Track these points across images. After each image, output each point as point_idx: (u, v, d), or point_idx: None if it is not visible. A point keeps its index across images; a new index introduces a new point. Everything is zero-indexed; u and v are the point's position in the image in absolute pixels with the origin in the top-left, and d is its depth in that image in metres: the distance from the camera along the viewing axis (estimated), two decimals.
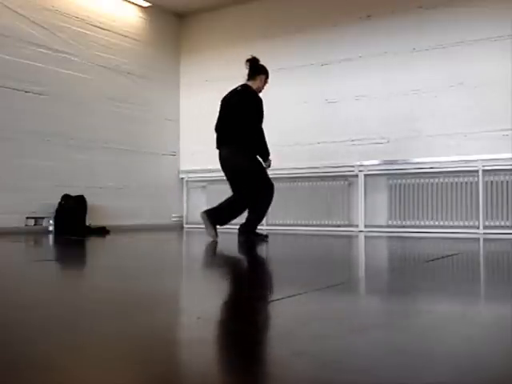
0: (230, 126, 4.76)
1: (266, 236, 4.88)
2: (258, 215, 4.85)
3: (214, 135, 4.92)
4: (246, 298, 1.93)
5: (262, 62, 4.93)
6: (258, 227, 4.93)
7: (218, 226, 4.83)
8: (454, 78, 6.37)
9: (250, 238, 4.75)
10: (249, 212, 4.89)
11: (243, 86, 4.86)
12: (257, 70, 4.85)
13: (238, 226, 4.89)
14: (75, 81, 6.92)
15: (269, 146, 4.83)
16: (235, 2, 7.79)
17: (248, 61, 4.85)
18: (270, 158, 4.89)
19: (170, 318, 1.50)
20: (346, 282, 2.29)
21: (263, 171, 4.82)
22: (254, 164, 4.77)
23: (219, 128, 4.86)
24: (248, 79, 4.88)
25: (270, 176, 4.62)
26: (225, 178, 4.96)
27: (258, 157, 4.83)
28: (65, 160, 6.74)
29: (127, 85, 7.59)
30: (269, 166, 4.87)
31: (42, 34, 6.58)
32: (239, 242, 4.63)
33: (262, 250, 4.10)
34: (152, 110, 7.95)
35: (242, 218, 4.94)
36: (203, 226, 4.86)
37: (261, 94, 4.87)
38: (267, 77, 4.92)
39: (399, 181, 6.65)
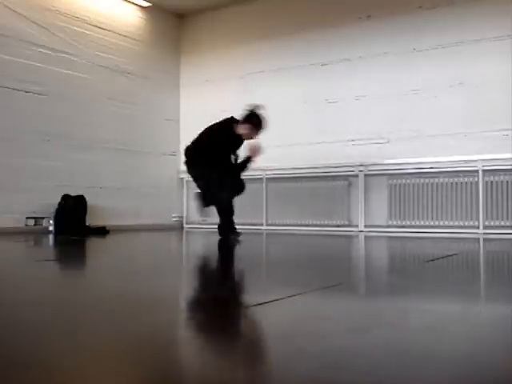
0: None
1: (236, 234, 4.98)
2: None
3: None
4: (245, 298, 1.93)
5: (261, 113, 4.83)
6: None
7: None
8: (454, 77, 6.37)
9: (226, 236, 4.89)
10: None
11: (230, 119, 4.92)
12: (244, 117, 4.82)
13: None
14: (75, 81, 6.92)
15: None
16: (235, 2, 7.78)
17: (247, 109, 4.84)
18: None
19: (170, 317, 1.50)
20: (346, 282, 2.29)
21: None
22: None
23: None
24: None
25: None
26: None
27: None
28: (65, 160, 6.75)
29: (127, 85, 7.59)
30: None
31: (42, 34, 6.58)
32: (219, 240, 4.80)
33: (262, 250, 4.09)
34: (152, 110, 7.95)
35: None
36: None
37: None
38: (255, 127, 4.79)
39: (399, 181, 6.65)
